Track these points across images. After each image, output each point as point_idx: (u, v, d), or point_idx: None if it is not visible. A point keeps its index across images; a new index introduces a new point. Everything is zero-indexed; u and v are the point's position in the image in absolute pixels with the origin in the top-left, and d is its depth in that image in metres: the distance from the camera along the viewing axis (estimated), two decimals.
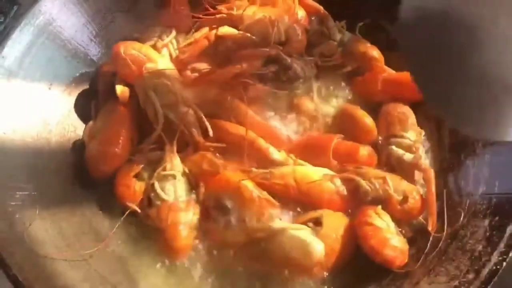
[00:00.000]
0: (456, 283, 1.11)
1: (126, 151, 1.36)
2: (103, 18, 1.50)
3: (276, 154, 1.36)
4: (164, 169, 1.32)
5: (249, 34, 1.44)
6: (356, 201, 1.30)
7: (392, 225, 1.25)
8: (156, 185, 1.30)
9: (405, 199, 1.27)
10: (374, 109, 1.48)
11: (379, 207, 1.27)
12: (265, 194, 1.30)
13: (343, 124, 1.46)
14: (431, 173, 1.32)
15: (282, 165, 1.36)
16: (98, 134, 1.37)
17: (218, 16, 1.49)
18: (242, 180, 1.28)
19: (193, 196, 1.32)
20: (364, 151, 1.37)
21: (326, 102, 1.52)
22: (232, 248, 1.26)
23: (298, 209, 1.32)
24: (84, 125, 1.45)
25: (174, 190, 1.30)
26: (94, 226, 1.31)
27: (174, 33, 1.52)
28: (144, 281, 1.24)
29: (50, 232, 1.21)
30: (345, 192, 1.31)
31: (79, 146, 1.41)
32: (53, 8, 1.40)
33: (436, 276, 1.16)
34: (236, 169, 1.34)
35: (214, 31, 1.45)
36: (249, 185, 1.29)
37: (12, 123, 1.30)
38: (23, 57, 1.35)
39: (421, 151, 1.36)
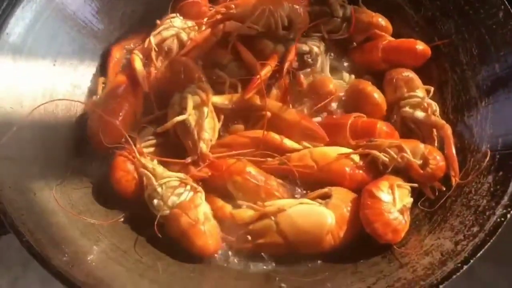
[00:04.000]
0: (461, 236, 1.13)
1: (127, 124, 1.37)
2: None
3: (290, 143, 1.38)
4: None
5: (255, 26, 1.44)
6: (378, 173, 1.31)
7: (400, 202, 1.23)
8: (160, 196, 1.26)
9: (425, 161, 1.28)
10: (377, 76, 1.50)
11: (398, 179, 1.27)
12: (272, 179, 1.32)
13: (354, 100, 1.46)
14: (448, 129, 1.33)
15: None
16: (101, 106, 1.39)
17: (218, 17, 1.47)
18: (245, 167, 1.31)
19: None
20: (382, 125, 1.36)
21: (338, 78, 1.53)
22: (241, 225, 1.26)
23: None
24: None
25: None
26: (103, 195, 1.33)
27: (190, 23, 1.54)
28: (155, 247, 1.26)
29: (60, 202, 1.23)
30: (365, 166, 1.32)
31: (85, 120, 1.42)
32: None
33: (441, 232, 1.18)
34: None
35: (220, 27, 1.45)
36: (252, 171, 1.31)
37: (19, 98, 1.31)
38: (27, 33, 1.36)
39: (434, 105, 1.37)
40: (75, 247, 1.15)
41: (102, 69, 1.53)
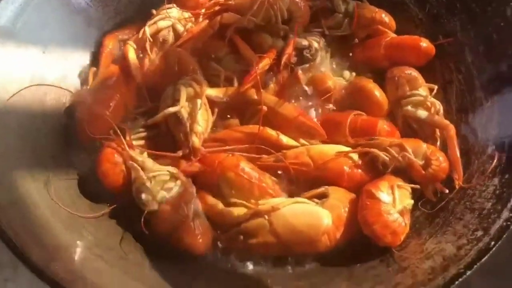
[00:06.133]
0: (464, 240, 1.07)
1: (117, 116, 1.32)
2: None
3: (286, 140, 1.32)
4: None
5: (253, 19, 1.40)
6: (377, 173, 1.25)
7: (400, 203, 1.17)
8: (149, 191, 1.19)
9: (427, 162, 1.22)
10: (379, 75, 1.45)
11: (399, 180, 1.22)
12: (266, 176, 1.26)
13: (354, 98, 1.40)
14: (452, 129, 1.28)
15: None
16: (91, 97, 1.34)
17: (216, 8, 1.43)
18: (239, 162, 1.24)
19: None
20: (383, 124, 1.31)
21: (338, 75, 1.48)
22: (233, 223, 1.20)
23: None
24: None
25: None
26: (90, 188, 1.27)
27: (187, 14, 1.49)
28: (142, 245, 1.20)
29: (44, 194, 1.17)
30: (364, 166, 1.26)
31: (74, 111, 1.37)
32: None
33: (443, 236, 1.12)
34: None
35: (218, 18, 1.40)
36: (246, 167, 1.25)
37: (6, 85, 1.25)
38: (17, 18, 1.29)
39: (438, 104, 1.32)
40: (57, 241, 1.08)
41: (94, 59, 1.47)
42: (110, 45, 1.47)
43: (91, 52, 1.49)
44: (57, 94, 1.38)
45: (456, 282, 0.97)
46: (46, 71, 1.37)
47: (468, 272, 0.98)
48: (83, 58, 1.47)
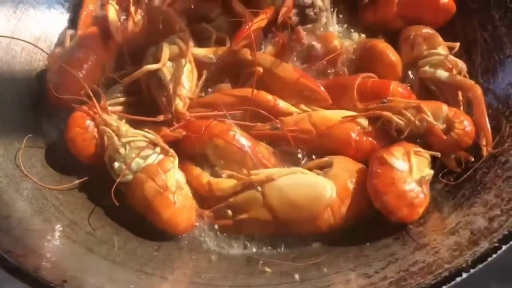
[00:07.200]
0: (497, 211, 0.88)
1: (92, 79, 1.16)
2: None
3: (285, 105, 1.15)
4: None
5: None
6: (390, 142, 1.07)
7: (418, 172, 0.98)
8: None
9: (450, 126, 1.04)
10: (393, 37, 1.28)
11: (415, 146, 1.04)
12: (261, 145, 1.10)
13: (364, 60, 1.23)
14: (478, 89, 1.09)
15: None
16: (64, 58, 1.18)
17: None
18: (229, 128, 1.08)
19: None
20: (397, 86, 1.13)
21: (345, 37, 1.31)
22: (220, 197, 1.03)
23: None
24: None
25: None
26: (57, 159, 1.11)
27: None
28: (113, 220, 1.03)
29: (2, 161, 1.02)
30: (375, 132, 1.09)
31: (45, 75, 1.21)
32: None
33: (470, 208, 0.93)
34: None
35: None
36: (237, 133, 1.08)
37: None
38: None
39: (460, 63, 1.14)
40: (8, 211, 0.92)
41: (73, 22, 1.33)
42: (91, 6, 1.32)
43: (69, 14, 1.35)
44: (29, 58, 1.24)
45: (489, 259, 0.78)
46: (18, 32, 1.23)
47: (504, 247, 0.79)
48: (60, 19, 1.33)
